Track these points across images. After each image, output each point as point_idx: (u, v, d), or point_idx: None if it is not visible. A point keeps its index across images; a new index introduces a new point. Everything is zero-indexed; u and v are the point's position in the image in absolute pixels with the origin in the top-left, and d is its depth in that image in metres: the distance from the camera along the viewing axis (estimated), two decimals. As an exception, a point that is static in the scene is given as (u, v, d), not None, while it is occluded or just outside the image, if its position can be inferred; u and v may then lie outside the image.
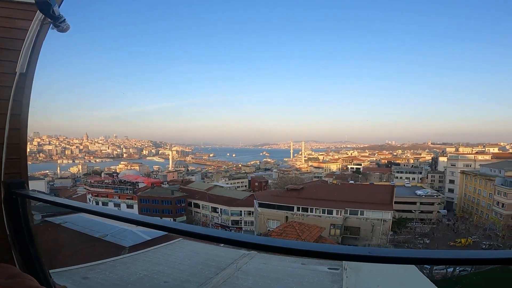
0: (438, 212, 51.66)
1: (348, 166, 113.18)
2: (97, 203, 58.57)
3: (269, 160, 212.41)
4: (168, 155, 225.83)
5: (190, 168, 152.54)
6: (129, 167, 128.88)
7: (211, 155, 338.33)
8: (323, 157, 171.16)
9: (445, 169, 71.97)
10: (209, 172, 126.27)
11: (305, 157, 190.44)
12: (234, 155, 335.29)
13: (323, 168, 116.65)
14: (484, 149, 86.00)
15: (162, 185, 67.24)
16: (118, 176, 79.75)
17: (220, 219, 53.78)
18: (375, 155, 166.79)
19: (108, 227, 5.55)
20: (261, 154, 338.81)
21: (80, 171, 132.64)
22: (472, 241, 33.89)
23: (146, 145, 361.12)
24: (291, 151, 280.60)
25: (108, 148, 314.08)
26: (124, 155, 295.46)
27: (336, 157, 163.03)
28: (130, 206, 57.66)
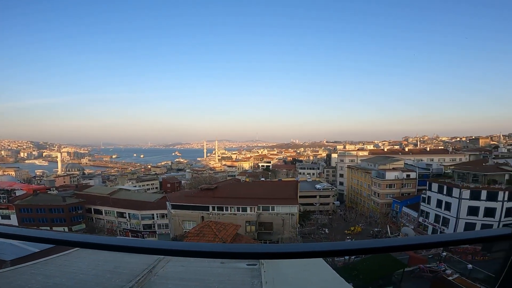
0: (333, 203, 58.79)
1: (259, 164, 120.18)
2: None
3: (181, 160, 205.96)
4: (56, 157, 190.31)
5: (87, 171, 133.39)
6: (0, 173, 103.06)
7: (113, 156, 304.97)
8: (236, 156, 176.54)
9: (336, 165, 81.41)
10: (112, 175, 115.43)
11: (218, 156, 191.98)
12: (142, 156, 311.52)
13: (236, 166, 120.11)
14: (363, 146, 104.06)
15: (49, 192, 58.17)
16: None
17: (129, 224, 50.04)
18: (283, 153, 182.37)
19: (-24, 242, 4.31)
20: (173, 154, 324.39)
21: None
22: (361, 229, 40.62)
23: (25, 146, 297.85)
24: (205, 150, 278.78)
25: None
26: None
27: (248, 155, 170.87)
28: (6, 217, 47.82)
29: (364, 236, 37.88)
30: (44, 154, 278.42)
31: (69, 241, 1.19)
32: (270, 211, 36.33)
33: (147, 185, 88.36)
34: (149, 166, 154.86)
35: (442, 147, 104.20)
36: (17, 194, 51.78)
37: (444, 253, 29.32)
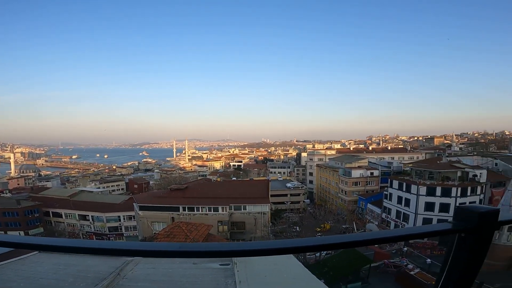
0: (303, 202, 60.22)
1: (230, 163, 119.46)
2: None
3: (149, 160, 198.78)
4: (9, 158, 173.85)
5: (43, 172, 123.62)
6: None
7: (74, 156, 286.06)
8: (207, 156, 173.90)
9: (306, 163, 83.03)
10: (72, 176, 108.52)
11: (189, 156, 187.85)
12: (106, 156, 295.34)
13: (207, 166, 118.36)
14: (331, 145, 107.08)
15: (2, 195, 55.01)
16: None
17: (93, 227, 48.12)
18: (254, 152, 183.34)
19: None
20: (140, 154, 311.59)
21: None
22: (330, 226, 41.71)
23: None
24: (174, 150, 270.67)
25: None
26: None
27: (219, 155, 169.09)
28: None
29: (333, 233, 39.13)
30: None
31: (27, 244, 1.04)
32: (242, 210, 36.33)
33: (112, 186, 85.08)
34: (114, 167, 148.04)
35: (402, 146, 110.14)
36: (-40, 198, 47.16)
37: (405, 249, 31.37)
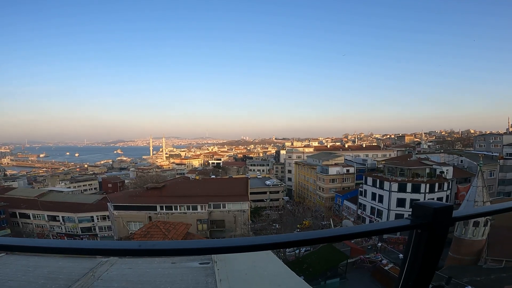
0: (282, 199, 60.58)
1: (209, 161, 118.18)
2: None
3: (124, 158, 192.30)
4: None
5: (9, 172, 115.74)
6: None
7: (41, 155, 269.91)
8: (185, 154, 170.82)
9: (285, 161, 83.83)
10: (39, 176, 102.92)
11: (166, 154, 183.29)
12: (77, 155, 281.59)
13: (185, 164, 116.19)
14: (309, 143, 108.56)
15: None
16: None
17: (64, 228, 46.11)
18: (233, 150, 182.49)
19: None
20: (114, 152, 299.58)
21: None
22: (310, 223, 42.25)
23: None
24: (151, 148, 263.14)
25: None
26: None
27: (198, 153, 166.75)
28: None
29: (312, 230, 39.53)
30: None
31: None
32: (222, 208, 36.14)
33: (83, 186, 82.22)
34: (86, 166, 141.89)
35: (376, 144, 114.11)
36: None
37: (380, 244, 32.68)
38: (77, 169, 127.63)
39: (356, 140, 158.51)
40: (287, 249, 22.95)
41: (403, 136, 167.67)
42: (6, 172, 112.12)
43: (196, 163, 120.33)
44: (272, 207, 51.14)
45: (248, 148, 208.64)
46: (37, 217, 47.19)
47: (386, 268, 23.66)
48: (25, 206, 47.46)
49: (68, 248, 0.98)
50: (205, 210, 35.22)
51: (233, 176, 71.36)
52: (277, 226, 36.34)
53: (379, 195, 41.03)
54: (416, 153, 61.52)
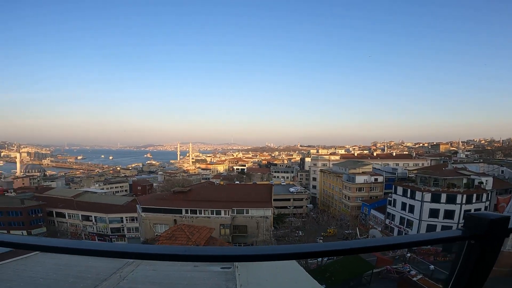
0: (306, 206, 60.05)
1: (234, 167, 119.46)
2: None
3: (153, 162, 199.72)
4: (15, 157, 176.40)
5: (49, 172, 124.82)
6: None
7: (79, 157, 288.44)
8: (211, 159, 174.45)
9: (309, 168, 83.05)
10: (76, 177, 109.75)
11: (192, 158, 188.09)
12: (111, 157, 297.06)
13: (210, 169, 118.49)
14: (335, 151, 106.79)
15: (6, 194, 55.06)
16: None
17: (95, 228, 48.15)
18: (257, 156, 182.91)
19: None
20: (144, 156, 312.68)
21: None
22: (336, 231, 41.47)
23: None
24: (178, 152, 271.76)
25: None
26: None
27: (223, 158, 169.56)
28: None
29: (337, 238, 38.81)
30: (2, 154, 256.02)
31: (28, 245, 1.06)
32: (245, 214, 36.22)
33: (115, 187, 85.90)
34: (118, 168, 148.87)
35: (407, 152, 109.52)
36: (-32, 196, 47.93)
37: (408, 254, 31.03)
38: (110, 171, 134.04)
39: (386, 148, 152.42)
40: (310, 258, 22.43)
41: (437, 145, 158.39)
42: (46, 173, 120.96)
43: (221, 168, 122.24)
44: (296, 214, 50.61)
45: (273, 154, 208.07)
46: (72, 217, 49.54)
47: (414, 279, 22.23)
48: (62, 205, 50.10)
49: (116, 251, 1.04)
50: (228, 215, 35.48)
51: (257, 182, 71.50)
52: (300, 234, 35.82)
53: (410, 205, 39.68)
54: (452, 163, 58.16)
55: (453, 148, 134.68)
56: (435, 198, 37.07)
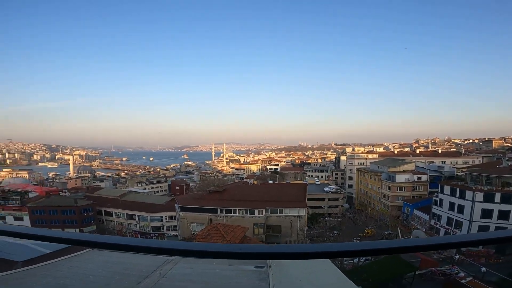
0: (342, 206, 58.50)
1: (267, 166, 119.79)
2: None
3: (190, 163, 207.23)
4: (68, 160, 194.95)
5: (98, 173, 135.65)
6: (14, 175, 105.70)
7: (124, 159, 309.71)
8: (244, 159, 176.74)
9: (345, 167, 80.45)
10: (122, 178, 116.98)
11: (226, 159, 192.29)
12: (151, 159, 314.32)
13: (244, 169, 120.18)
14: (373, 149, 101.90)
15: (61, 194, 59.41)
16: (0, 185, 66.57)
17: (138, 226, 50.49)
18: (290, 156, 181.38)
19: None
20: (181, 157, 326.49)
21: None
22: (374, 231, 40.07)
23: (37, 149, 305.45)
24: (213, 153, 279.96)
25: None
26: (8, 161, 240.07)
27: (256, 158, 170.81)
28: (19, 218, 48.79)
29: (375, 239, 37.28)
30: (56, 156, 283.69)
31: (82, 241, 1.23)
32: (278, 213, 36.18)
33: (156, 187, 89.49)
34: (158, 169, 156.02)
35: (454, 149, 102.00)
36: (30, 196, 52.97)
37: (457, 256, 28.66)
38: (151, 172, 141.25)
39: (430, 145, 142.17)
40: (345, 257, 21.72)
41: (489, 141, 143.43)
42: (95, 174, 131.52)
43: (254, 168, 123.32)
44: (331, 214, 49.54)
45: (306, 154, 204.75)
46: (118, 215, 52.11)
47: (463, 281, 20.31)
48: (109, 204, 53.04)
49: (160, 248, 1.14)
50: (262, 214, 35.69)
51: (291, 182, 71.05)
52: (335, 234, 34.94)
53: (459, 205, 37.41)
54: (507, 160, 52.74)
55: (508, 144, 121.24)
56: (488, 198, 34.59)
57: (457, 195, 37.84)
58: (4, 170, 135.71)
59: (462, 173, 44.46)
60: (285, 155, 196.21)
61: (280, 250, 1.00)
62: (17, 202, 50.57)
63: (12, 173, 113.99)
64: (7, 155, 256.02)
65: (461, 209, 37.03)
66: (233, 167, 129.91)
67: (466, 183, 38.57)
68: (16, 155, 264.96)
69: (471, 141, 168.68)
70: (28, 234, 1.32)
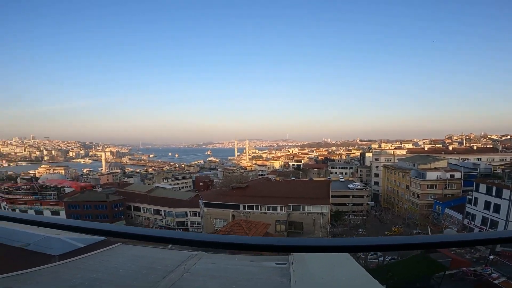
0: (367, 204, 56.58)
1: (289, 163, 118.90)
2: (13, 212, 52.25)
3: (213, 159, 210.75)
4: (101, 156, 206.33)
5: (127, 170, 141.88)
6: (51, 171, 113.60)
7: (151, 155, 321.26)
8: (267, 155, 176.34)
9: (371, 164, 78.15)
10: (149, 173, 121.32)
11: (249, 155, 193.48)
12: (177, 155, 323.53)
13: (266, 165, 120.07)
14: (401, 145, 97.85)
15: (94, 189, 62.63)
16: (38, 181, 71.50)
17: (164, 222, 52.12)
18: (313, 152, 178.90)
19: (30, 236, 4.66)
20: (205, 153, 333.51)
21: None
22: (402, 230, 38.68)
23: (73, 146, 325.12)
24: (236, 149, 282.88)
25: (25, 151, 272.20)
26: (45, 158, 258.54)
27: (279, 154, 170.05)
28: (55, 213, 51.85)
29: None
30: (90, 153, 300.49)
31: (117, 232, 1.28)
32: (301, 210, 35.85)
33: (181, 183, 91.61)
34: (183, 165, 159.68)
35: (491, 146, 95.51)
36: (66, 191, 56.39)
37: (491, 257, 26.86)
38: (177, 168, 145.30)
39: (464, 141, 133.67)
40: (369, 256, 21.14)
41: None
42: (125, 170, 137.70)
43: (276, 164, 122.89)
44: (355, 211, 48.36)
45: (330, 150, 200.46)
46: (146, 210, 54.00)
47: (496, 282, 18.94)
48: (138, 200, 54.98)
49: (187, 239, 1.17)
50: (284, 211, 35.55)
51: (314, 179, 70.08)
52: (360, 232, 34.04)
53: (495, 204, 35.90)
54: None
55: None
56: (527, 197, 32.39)
57: (493, 194, 36.38)
58: (42, 166, 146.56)
59: (499, 171, 43.25)
60: (308, 151, 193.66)
61: (299, 244, 1.02)
62: (54, 197, 53.90)
63: (50, 169, 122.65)
64: (44, 152, 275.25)
65: (497, 208, 35.55)
66: (255, 164, 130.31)
67: (503, 181, 37.04)
68: (53, 152, 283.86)
69: (509, 137, 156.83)
70: (67, 225, 1.44)
